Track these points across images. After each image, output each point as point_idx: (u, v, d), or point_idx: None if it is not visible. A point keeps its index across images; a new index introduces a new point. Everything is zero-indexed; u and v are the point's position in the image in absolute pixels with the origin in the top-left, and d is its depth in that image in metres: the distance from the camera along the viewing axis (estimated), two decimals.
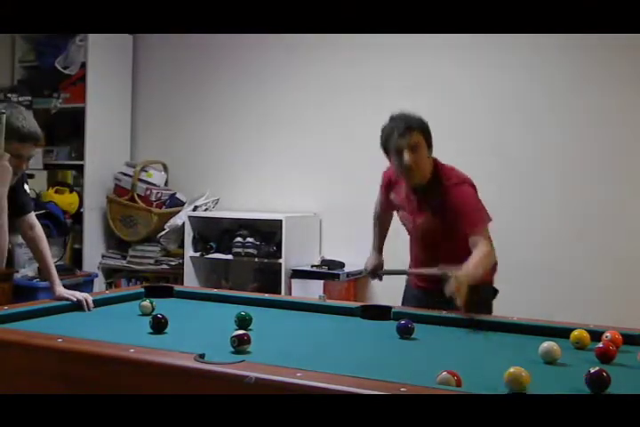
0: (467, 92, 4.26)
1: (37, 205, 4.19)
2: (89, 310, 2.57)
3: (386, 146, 2.85)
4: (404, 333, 2.20)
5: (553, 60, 4.04)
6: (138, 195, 4.84)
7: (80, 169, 4.95)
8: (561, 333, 2.16)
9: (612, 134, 3.94)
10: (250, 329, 2.16)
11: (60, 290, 2.65)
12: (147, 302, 2.44)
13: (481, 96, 4.23)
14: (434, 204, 2.86)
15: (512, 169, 4.16)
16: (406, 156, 2.78)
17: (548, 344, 1.92)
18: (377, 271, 3.26)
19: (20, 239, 3.64)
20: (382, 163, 4.45)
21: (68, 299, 2.56)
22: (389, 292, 4.39)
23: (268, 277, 4.55)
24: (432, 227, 2.89)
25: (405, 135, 2.80)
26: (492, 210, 4.32)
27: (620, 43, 3.82)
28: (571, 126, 4.03)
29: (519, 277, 4.10)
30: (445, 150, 4.39)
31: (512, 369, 1.62)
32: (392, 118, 2.89)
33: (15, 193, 3.03)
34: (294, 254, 4.39)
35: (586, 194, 3.98)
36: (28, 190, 3.14)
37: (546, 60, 4.06)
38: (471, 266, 2.58)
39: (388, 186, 3.09)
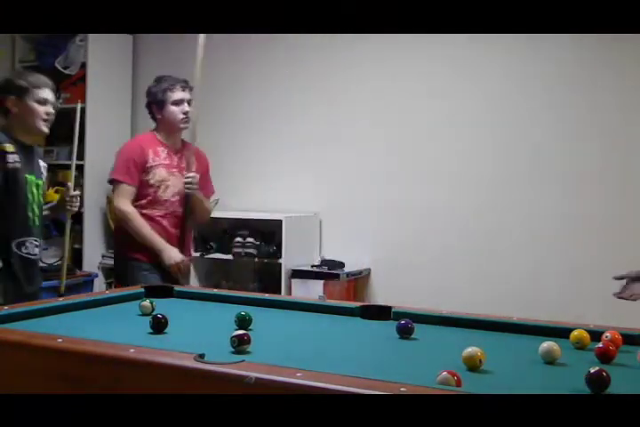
0: (466, 90, 4.26)
1: None
2: None
3: (163, 97, 3.45)
4: (404, 333, 2.20)
5: (553, 58, 4.05)
6: None
7: (80, 169, 4.95)
8: (561, 333, 2.15)
9: (611, 133, 3.95)
10: (250, 329, 2.16)
11: None
12: (147, 302, 2.44)
13: (479, 97, 4.23)
14: (191, 163, 3.49)
15: (511, 170, 4.16)
16: (187, 106, 3.47)
17: (547, 344, 1.92)
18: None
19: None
20: (382, 162, 4.47)
21: None
22: (389, 292, 4.41)
23: (268, 278, 4.55)
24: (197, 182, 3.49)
25: (186, 90, 3.49)
26: (494, 211, 4.35)
27: (619, 41, 3.83)
28: (570, 125, 4.04)
29: (519, 276, 4.11)
30: (441, 150, 4.41)
31: (469, 349, 1.80)
32: (167, 76, 3.53)
33: None
34: (294, 254, 4.39)
35: (585, 193, 3.98)
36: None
37: (545, 59, 4.07)
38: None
39: (141, 156, 3.44)
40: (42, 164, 3.13)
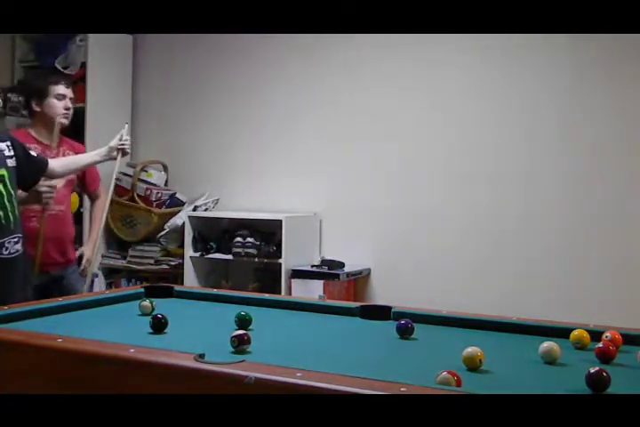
0: (465, 91, 4.26)
1: None
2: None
3: (46, 90, 3.47)
4: (404, 333, 2.20)
5: (554, 59, 4.05)
6: (138, 195, 4.83)
7: None
8: (561, 333, 2.16)
9: (612, 134, 3.95)
10: (250, 329, 2.16)
11: None
12: (147, 302, 2.44)
13: (479, 96, 4.23)
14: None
15: (511, 169, 4.16)
16: (69, 102, 3.53)
17: (548, 344, 1.92)
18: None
19: None
20: (382, 162, 4.47)
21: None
22: (389, 292, 4.41)
23: (268, 277, 4.55)
24: (73, 178, 3.58)
25: (69, 88, 3.56)
26: (493, 210, 4.35)
27: (619, 42, 3.83)
28: (567, 125, 4.04)
29: (519, 276, 4.11)
30: (440, 150, 4.41)
31: (469, 349, 1.82)
32: (49, 70, 3.74)
33: (27, 162, 3.01)
34: (294, 254, 4.39)
35: (587, 194, 3.98)
36: (34, 152, 3.13)
37: (547, 60, 4.06)
38: (94, 236, 3.70)
39: None
40: (2, 146, 2.89)
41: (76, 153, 3.63)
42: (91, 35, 4.80)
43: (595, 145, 3.97)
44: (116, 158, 3.42)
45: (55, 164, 3.21)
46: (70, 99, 3.55)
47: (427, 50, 4.33)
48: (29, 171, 3.04)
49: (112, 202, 4.90)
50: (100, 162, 3.42)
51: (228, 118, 4.94)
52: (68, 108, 3.53)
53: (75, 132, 4.99)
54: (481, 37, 4.03)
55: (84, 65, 4.87)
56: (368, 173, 4.52)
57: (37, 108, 3.51)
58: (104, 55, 4.95)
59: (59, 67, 4.90)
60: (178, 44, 5.05)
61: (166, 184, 5.04)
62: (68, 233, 3.64)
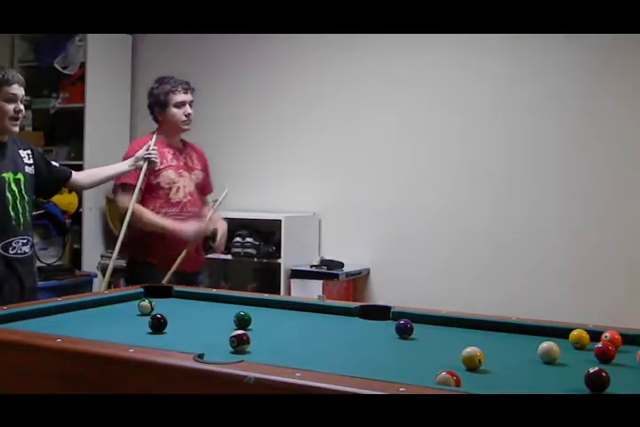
0: (467, 89, 4.26)
1: (36, 204, 4.20)
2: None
3: (165, 99, 3.50)
4: (403, 333, 2.20)
5: (557, 59, 4.05)
6: None
7: (79, 169, 4.92)
8: (560, 333, 2.15)
9: (612, 134, 3.95)
10: (249, 329, 2.16)
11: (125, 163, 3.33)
12: (146, 302, 2.44)
13: (480, 96, 4.23)
14: (196, 161, 3.64)
15: (513, 170, 4.17)
16: (189, 108, 3.53)
17: (547, 344, 1.92)
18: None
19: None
20: (381, 162, 4.47)
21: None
22: (388, 292, 4.41)
23: (268, 278, 4.55)
24: (200, 181, 3.64)
25: (188, 92, 3.54)
26: (493, 211, 4.34)
27: (620, 42, 3.84)
28: (570, 126, 4.04)
29: (518, 277, 4.11)
30: (441, 150, 4.41)
31: (469, 349, 1.81)
32: (168, 78, 3.56)
33: (47, 172, 3.06)
34: (293, 254, 4.39)
35: (586, 193, 3.99)
36: (55, 163, 3.18)
37: (544, 60, 4.07)
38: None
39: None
40: (22, 153, 2.98)
41: (199, 155, 3.70)
42: (90, 35, 4.81)
43: (596, 145, 3.97)
44: (142, 168, 3.38)
45: (80, 175, 3.29)
46: (190, 102, 3.55)
47: (428, 50, 4.34)
48: (50, 180, 3.15)
49: (111, 202, 4.93)
50: (127, 172, 3.36)
51: (227, 118, 4.94)
52: (188, 115, 3.53)
53: (74, 131, 5.01)
54: (484, 37, 4.03)
55: (83, 65, 4.87)
56: (368, 173, 4.52)
57: (160, 117, 3.55)
58: (103, 55, 4.95)
59: (58, 67, 4.90)
60: (177, 44, 5.04)
61: None
62: None
